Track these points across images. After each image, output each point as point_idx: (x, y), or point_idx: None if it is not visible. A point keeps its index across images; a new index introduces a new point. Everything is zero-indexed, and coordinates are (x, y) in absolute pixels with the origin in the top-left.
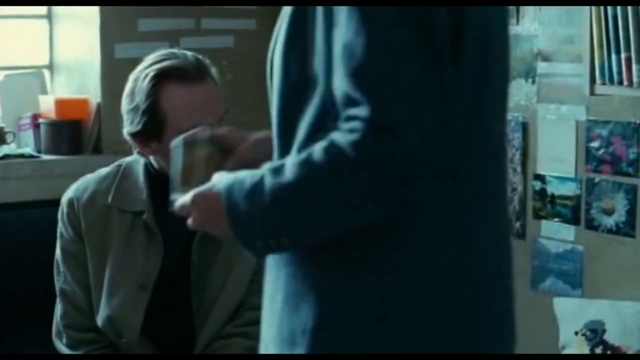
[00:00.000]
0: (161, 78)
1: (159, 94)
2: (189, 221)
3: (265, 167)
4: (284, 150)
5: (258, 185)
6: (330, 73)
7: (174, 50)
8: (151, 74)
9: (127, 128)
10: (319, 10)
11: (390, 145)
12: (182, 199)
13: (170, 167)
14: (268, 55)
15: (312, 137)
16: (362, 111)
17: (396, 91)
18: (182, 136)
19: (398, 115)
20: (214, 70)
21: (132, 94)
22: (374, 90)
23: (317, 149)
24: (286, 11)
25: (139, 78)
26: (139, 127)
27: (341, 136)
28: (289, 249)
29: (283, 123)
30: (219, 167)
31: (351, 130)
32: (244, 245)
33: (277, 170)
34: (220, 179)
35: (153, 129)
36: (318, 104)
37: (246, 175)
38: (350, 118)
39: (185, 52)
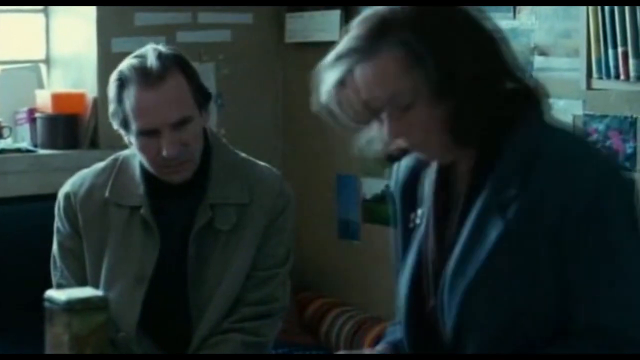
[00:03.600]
0: (122, 81)
1: (122, 97)
2: None
3: None
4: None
5: None
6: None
7: (149, 47)
8: (114, 76)
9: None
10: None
11: None
12: None
13: None
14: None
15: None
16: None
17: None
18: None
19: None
20: (189, 68)
21: (109, 95)
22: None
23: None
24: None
25: (110, 79)
26: (116, 126)
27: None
28: None
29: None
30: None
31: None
32: None
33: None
34: None
35: (125, 130)
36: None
37: None
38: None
39: (157, 50)
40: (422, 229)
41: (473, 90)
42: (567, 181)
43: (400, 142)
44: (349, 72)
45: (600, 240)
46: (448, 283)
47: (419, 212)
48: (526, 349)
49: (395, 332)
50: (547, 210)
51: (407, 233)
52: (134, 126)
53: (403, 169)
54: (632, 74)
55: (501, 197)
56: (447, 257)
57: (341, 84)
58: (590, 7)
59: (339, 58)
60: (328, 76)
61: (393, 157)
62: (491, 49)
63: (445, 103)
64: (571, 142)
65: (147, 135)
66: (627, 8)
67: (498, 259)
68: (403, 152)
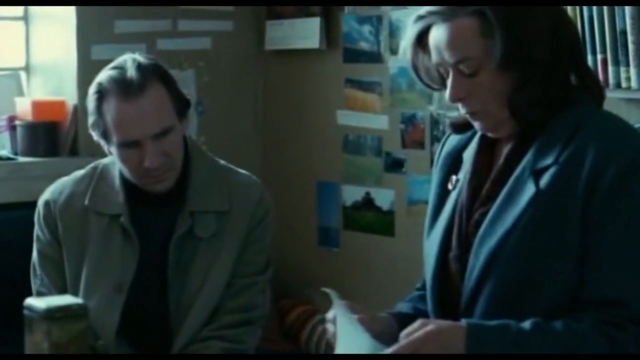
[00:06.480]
0: (102, 94)
1: (101, 109)
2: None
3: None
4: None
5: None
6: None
7: (127, 57)
8: (94, 89)
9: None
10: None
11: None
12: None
13: None
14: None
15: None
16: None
17: None
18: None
19: None
20: (168, 78)
21: (89, 107)
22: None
23: (590, 333)
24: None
25: (89, 91)
26: (96, 137)
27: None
28: None
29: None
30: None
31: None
32: None
33: (543, 331)
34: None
35: (105, 141)
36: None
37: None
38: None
39: (137, 61)
40: (459, 188)
41: (536, 73)
42: (600, 154)
43: (461, 109)
44: (425, 32)
45: (622, 214)
46: (477, 242)
47: (460, 175)
48: (538, 316)
49: (402, 307)
50: (579, 181)
51: (446, 193)
52: (115, 138)
53: (454, 136)
54: (611, 81)
55: (538, 164)
56: (476, 212)
57: (417, 43)
58: (570, 13)
59: (419, 18)
60: (407, 34)
61: (457, 127)
62: (566, 43)
63: (508, 77)
64: (612, 120)
65: (129, 146)
66: (606, 15)
67: (526, 223)
68: (466, 125)
